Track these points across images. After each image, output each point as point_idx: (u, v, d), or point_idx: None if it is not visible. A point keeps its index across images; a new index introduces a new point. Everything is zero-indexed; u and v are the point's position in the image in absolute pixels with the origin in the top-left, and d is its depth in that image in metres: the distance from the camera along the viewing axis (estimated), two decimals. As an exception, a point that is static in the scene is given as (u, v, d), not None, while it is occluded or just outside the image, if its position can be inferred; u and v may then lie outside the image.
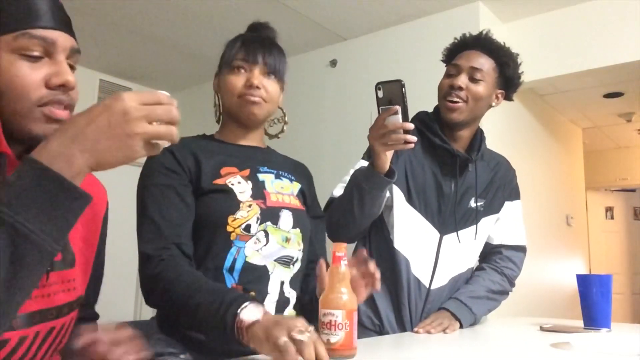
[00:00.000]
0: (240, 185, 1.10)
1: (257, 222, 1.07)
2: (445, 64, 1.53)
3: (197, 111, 4.73)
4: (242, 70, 1.14)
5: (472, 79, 1.43)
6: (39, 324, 0.78)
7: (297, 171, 1.28)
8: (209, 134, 1.25)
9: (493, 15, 3.37)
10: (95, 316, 1.02)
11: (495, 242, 1.58)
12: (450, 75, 1.46)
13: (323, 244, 1.29)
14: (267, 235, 1.08)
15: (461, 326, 1.41)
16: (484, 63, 1.43)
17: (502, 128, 3.39)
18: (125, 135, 0.61)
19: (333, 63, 3.83)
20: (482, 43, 1.46)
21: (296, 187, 1.23)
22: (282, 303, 1.09)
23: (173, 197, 1.06)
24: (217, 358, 0.99)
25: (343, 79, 3.75)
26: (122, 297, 4.54)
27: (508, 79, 1.48)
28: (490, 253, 1.59)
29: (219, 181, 1.10)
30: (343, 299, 0.91)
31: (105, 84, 4.53)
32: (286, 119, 1.26)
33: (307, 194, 1.26)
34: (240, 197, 1.08)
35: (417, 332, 1.36)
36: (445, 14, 3.32)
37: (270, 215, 1.09)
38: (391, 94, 1.18)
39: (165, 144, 0.65)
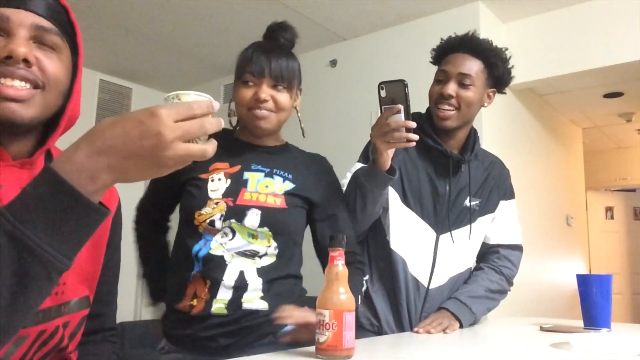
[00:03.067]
0: (218, 183, 1.20)
1: (220, 219, 1.16)
2: (433, 64, 1.53)
3: (197, 111, 4.73)
4: (251, 84, 1.20)
5: (462, 85, 1.42)
6: (26, 327, 0.76)
7: (304, 170, 1.29)
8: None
9: (493, 15, 3.37)
10: (112, 330, 1.00)
11: (492, 241, 1.58)
12: (440, 81, 1.46)
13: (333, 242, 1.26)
14: (233, 231, 1.17)
15: (461, 326, 1.41)
16: (472, 67, 1.42)
17: (502, 128, 3.39)
18: (156, 157, 0.58)
19: (333, 63, 3.83)
20: (469, 45, 1.44)
21: (287, 186, 1.24)
22: (238, 288, 1.16)
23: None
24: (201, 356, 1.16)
25: (343, 79, 3.75)
26: (122, 297, 4.52)
27: (498, 78, 1.48)
28: (487, 253, 1.59)
29: (203, 175, 1.21)
30: (332, 299, 0.91)
31: (105, 84, 4.53)
32: (302, 124, 1.34)
33: (311, 195, 1.27)
34: (211, 194, 1.18)
35: (417, 332, 1.36)
36: (445, 14, 3.32)
37: (235, 213, 1.17)
38: (394, 93, 1.21)
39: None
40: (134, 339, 3.99)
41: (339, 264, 0.94)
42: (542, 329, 1.41)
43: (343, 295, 0.92)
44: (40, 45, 0.77)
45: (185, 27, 3.69)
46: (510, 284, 1.58)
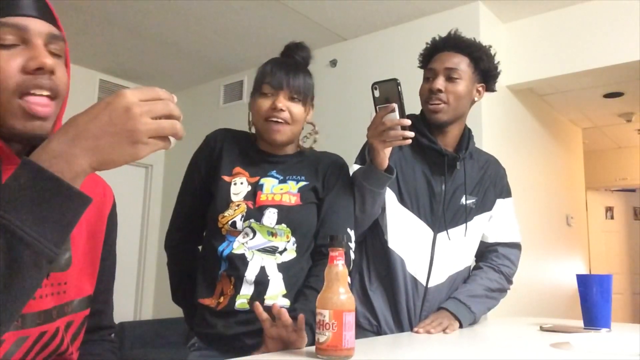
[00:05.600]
0: (240, 186, 1.28)
1: (241, 220, 1.24)
2: (421, 68, 1.56)
3: (197, 111, 4.73)
4: (269, 95, 1.27)
5: (450, 79, 1.45)
6: (26, 328, 0.76)
7: (313, 168, 1.35)
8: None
9: (493, 15, 3.37)
10: (110, 328, 1.00)
11: (490, 240, 1.59)
12: (428, 79, 1.49)
13: (338, 227, 1.30)
14: (253, 230, 1.24)
15: (461, 326, 1.41)
16: (459, 62, 1.46)
17: (502, 128, 3.39)
18: (128, 132, 0.60)
19: (333, 63, 3.83)
20: (453, 43, 1.48)
21: (300, 185, 1.31)
22: (260, 283, 1.22)
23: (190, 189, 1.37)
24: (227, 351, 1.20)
25: (343, 79, 3.75)
26: (122, 297, 4.54)
27: (485, 72, 1.50)
28: (486, 252, 1.60)
29: (226, 178, 1.29)
30: (332, 299, 0.91)
31: (105, 84, 4.53)
32: (316, 129, 1.39)
33: (319, 188, 1.32)
34: (233, 197, 1.26)
35: (417, 332, 1.36)
36: (445, 14, 3.32)
37: (254, 214, 1.25)
38: (387, 92, 1.23)
39: (172, 140, 0.64)
40: (134, 339, 3.99)
41: (339, 264, 0.94)
42: (542, 329, 1.41)
43: (343, 295, 0.92)
44: (51, 53, 0.78)
45: (185, 27, 3.69)
46: (510, 282, 1.58)
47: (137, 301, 4.75)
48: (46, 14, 0.77)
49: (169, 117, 0.63)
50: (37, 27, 0.75)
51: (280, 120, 1.26)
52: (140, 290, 4.77)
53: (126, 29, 3.75)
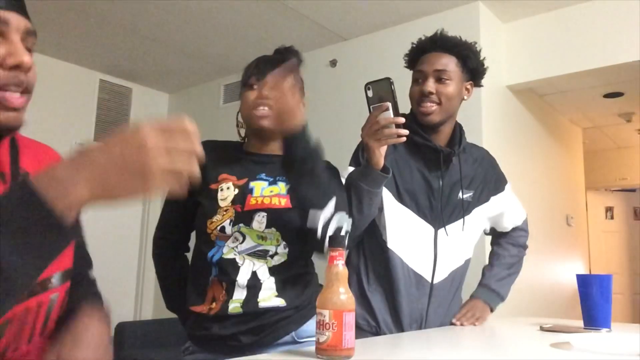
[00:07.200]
0: (227, 191, 1.27)
1: (230, 224, 1.23)
2: (409, 70, 1.56)
3: (197, 111, 4.73)
4: (256, 87, 1.27)
5: (440, 81, 1.46)
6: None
7: None
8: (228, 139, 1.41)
9: (493, 15, 3.37)
10: (94, 292, 0.97)
11: (509, 228, 1.70)
12: (417, 81, 1.49)
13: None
14: (243, 235, 1.23)
15: (491, 311, 1.57)
16: (447, 62, 1.46)
17: (502, 128, 3.39)
18: (137, 171, 0.57)
19: (333, 63, 3.83)
20: (440, 43, 1.49)
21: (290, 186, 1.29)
22: (252, 287, 1.21)
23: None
24: (218, 353, 1.20)
25: (343, 79, 3.75)
26: (122, 297, 4.54)
27: (473, 70, 1.51)
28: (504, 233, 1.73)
29: (213, 186, 1.27)
30: (332, 299, 0.91)
31: (105, 84, 4.53)
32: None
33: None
34: (220, 203, 1.25)
35: (453, 324, 1.50)
36: (445, 14, 3.32)
37: (243, 218, 1.23)
38: (381, 92, 1.24)
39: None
40: (134, 339, 3.99)
41: (339, 264, 0.94)
42: (542, 329, 1.41)
43: (343, 295, 0.92)
44: (27, 49, 0.77)
45: (185, 27, 3.69)
46: (525, 247, 1.73)
47: (137, 301, 4.75)
48: (22, 8, 0.77)
49: (190, 153, 0.60)
50: (15, 21, 0.74)
51: (265, 107, 1.23)
52: (140, 291, 4.76)
53: (126, 29, 3.75)
